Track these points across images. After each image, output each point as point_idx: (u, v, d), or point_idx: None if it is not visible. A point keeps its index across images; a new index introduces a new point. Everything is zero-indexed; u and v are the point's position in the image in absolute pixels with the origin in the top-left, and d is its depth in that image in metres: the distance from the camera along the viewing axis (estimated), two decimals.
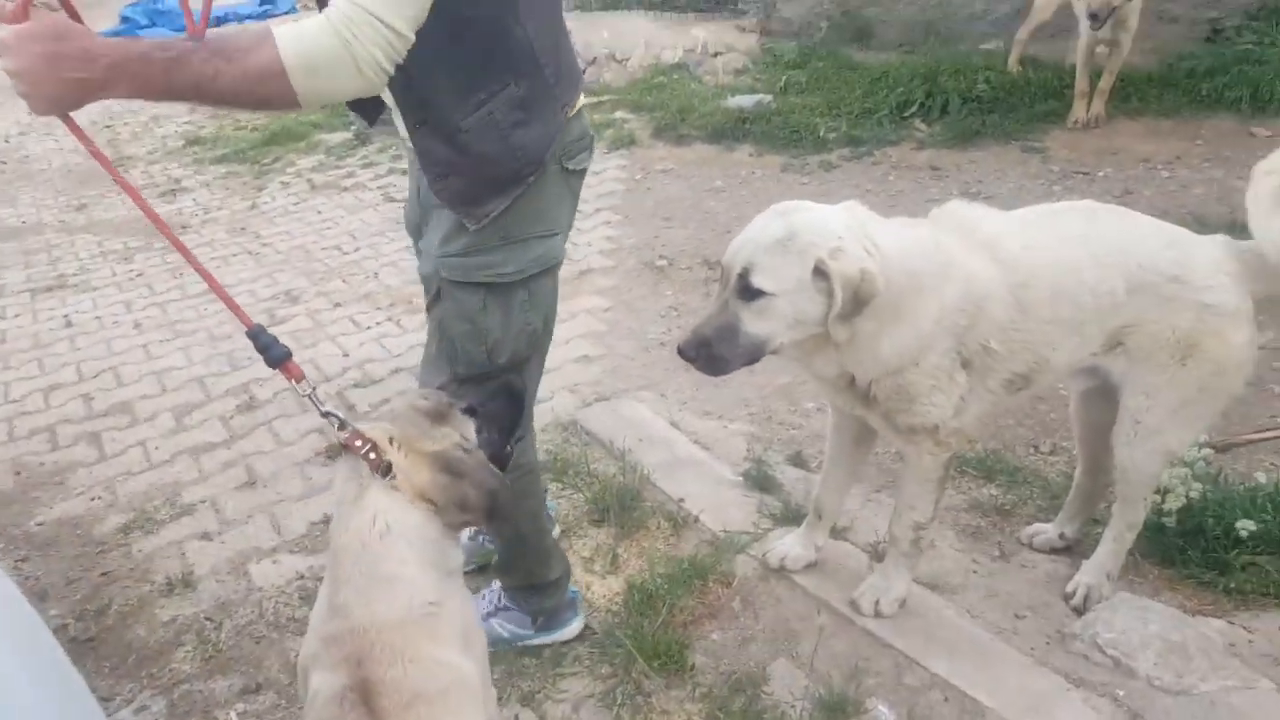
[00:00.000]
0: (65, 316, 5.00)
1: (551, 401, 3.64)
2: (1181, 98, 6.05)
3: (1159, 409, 2.19)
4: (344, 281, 5.07)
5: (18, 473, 3.63)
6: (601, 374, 3.86)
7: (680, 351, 2.04)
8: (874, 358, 2.06)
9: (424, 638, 1.45)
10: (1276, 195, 2.07)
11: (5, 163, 8.00)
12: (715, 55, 7.68)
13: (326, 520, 3.05)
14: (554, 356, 4.04)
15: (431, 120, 1.83)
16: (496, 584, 2.51)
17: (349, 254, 5.48)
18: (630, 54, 7.99)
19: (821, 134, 6.29)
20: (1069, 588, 2.43)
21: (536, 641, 2.47)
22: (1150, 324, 2.14)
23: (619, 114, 7.11)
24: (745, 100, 6.67)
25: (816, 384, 2.30)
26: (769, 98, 6.73)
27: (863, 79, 6.84)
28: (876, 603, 2.38)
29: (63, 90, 1.45)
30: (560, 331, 4.22)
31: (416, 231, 2.18)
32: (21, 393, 4.23)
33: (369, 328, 4.50)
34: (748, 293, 1.96)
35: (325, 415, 1.61)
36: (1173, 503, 2.46)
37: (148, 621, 2.77)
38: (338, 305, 4.79)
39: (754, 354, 2.02)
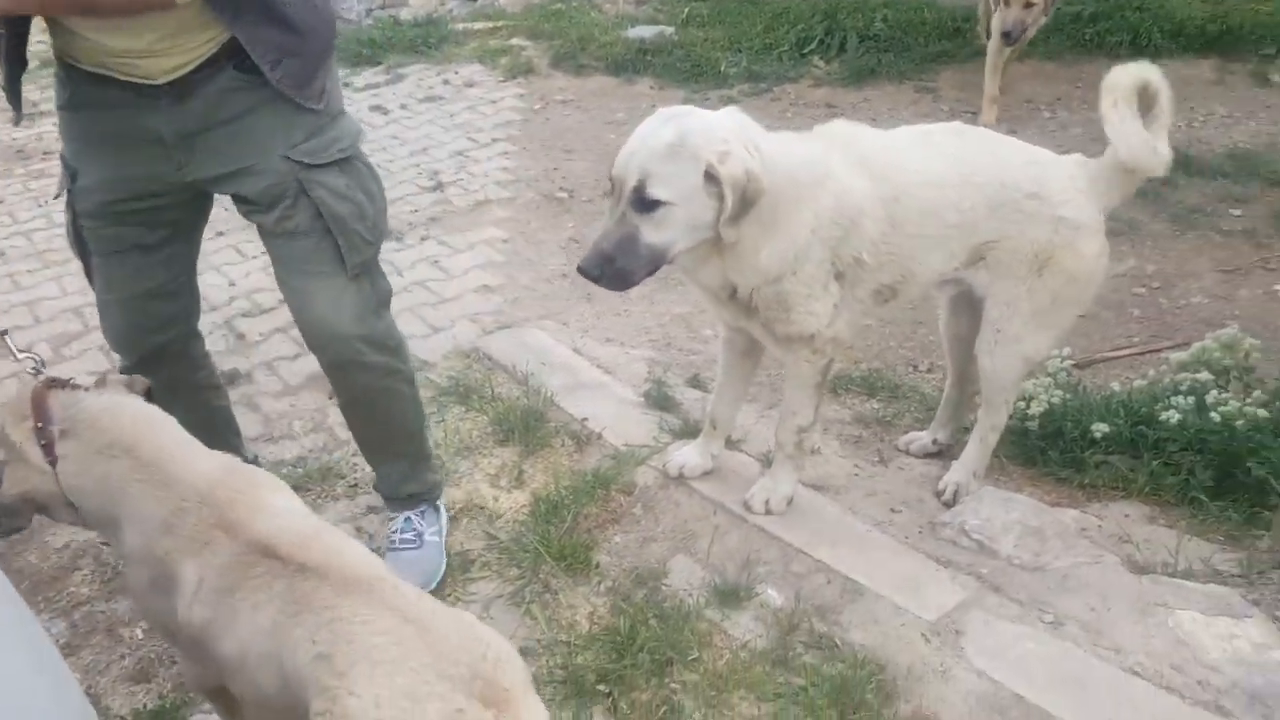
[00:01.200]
0: None
1: (452, 330, 3.69)
2: (1066, 42, 6.31)
3: (1017, 318, 2.37)
4: (226, 209, 4.95)
5: None
6: (502, 304, 3.90)
7: (582, 269, 2.07)
8: (754, 267, 2.17)
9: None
10: (1123, 103, 2.25)
11: None
12: None
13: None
14: (453, 286, 4.13)
15: (255, 4, 1.83)
16: (402, 514, 2.50)
17: None
18: None
19: (722, 69, 6.37)
20: (940, 485, 2.64)
21: (445, 532, 2.55)
22: (1010, 239, 2.31)
23: (515, 41, 7.04)
24: (646, 31, 6.70)
25: (702, 295, 2.42)
26: (670, 30, 6.78)
27: (764, 14, 6.93)
28: (767, 502, 2.54)
29: None
30: (458, 262, 4.30)
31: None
32: None
33: (254, 257, 4.37)
34: (645, 203, 2.00)
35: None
36: (1036, 408, 2.69)
37: (39, 549, 2.73)
38: (220, 234, 4.64)
39: (655, 263, 2.08)
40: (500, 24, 7.29)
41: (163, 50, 1.85)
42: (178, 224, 2.17)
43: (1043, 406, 2.69)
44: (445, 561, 2.49)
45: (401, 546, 2.44)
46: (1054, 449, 2.69)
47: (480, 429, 3.06)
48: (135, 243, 2.09)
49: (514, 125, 5.82)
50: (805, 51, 6.54)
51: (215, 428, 2.51)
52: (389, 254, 4.27)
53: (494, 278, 4.10)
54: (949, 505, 2.56)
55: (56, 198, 2.12)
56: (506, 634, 2.32)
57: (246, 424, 3.02)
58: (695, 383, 3.31)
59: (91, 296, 2.27)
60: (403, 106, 6.21)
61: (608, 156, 5.34)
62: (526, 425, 2.98)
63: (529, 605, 2.39)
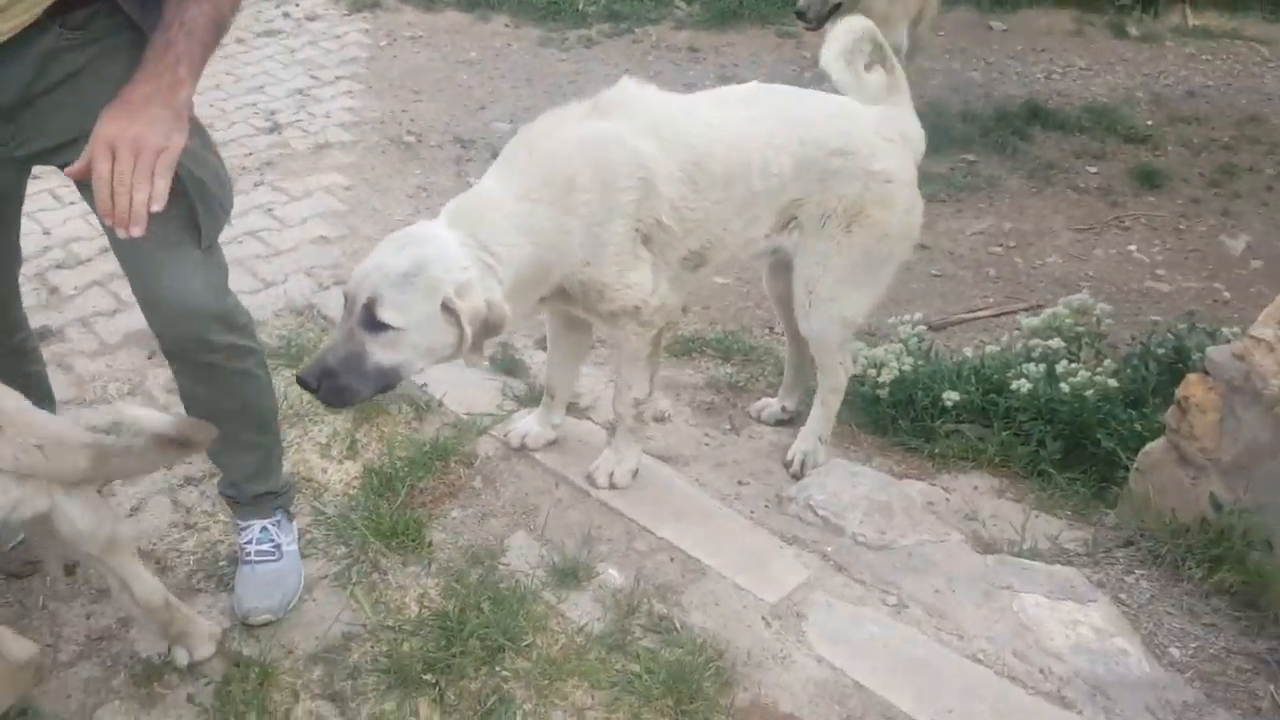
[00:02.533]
0: None
1: (285, 285, 3.42)
2: None
3: (828, 277, 2.30)
4: None
5: None
6: (341, 257, 3.64)
7: (301, 380, 1.95)
8: (547, 286, 2.11)
9: None
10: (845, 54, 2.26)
11: None
12: None
13: None
14: (288, 237, 3.82)
15: None
16: (256, 523, 2.20)
17: None
18: None
19: (581, 7, 6.15)
20: (788, 455, 2.56)
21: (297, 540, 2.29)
22: (817, 196, 2.24)
23: None
24: None
25: None
26: None
27: None
28: (610, 474, 2.42)
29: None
30: (294, 210, 3.99)
31: None
32: None
33: (72, 203, 3.97)
34: (373, 325, 1.90)
35: None
36: (886, 376, 2.64)
37: None
38: (35, 178, 4.20)
39: (385, 382, 1.99)
40: None
41: None
42: (3, 194, 1.94)
43: (893, 374, 2.64)
44: (303, 573, 2.23)
45: (258, 559, 2.16)
46: (904, 418, 2.65)
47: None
48: None
49: (359, 63, 5.48)
50: None
51: (28, 395, 2.14)
52: None
53: (333, 228, 3.83)
54: (798, 477, 2.50)
55: None
56: (330, 618, 2.19)
57: (58, 386, 2.69)
58: (544, 344, 3.15)
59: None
60: (238, 41, 5.76)
61: (460, 99, 5.28)
62: None
63: (354, 588, 2.21)
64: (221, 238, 2.94)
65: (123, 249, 1.81)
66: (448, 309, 1.89)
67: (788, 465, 2.55)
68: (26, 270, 3.49)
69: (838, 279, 2.30)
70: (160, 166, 1.49)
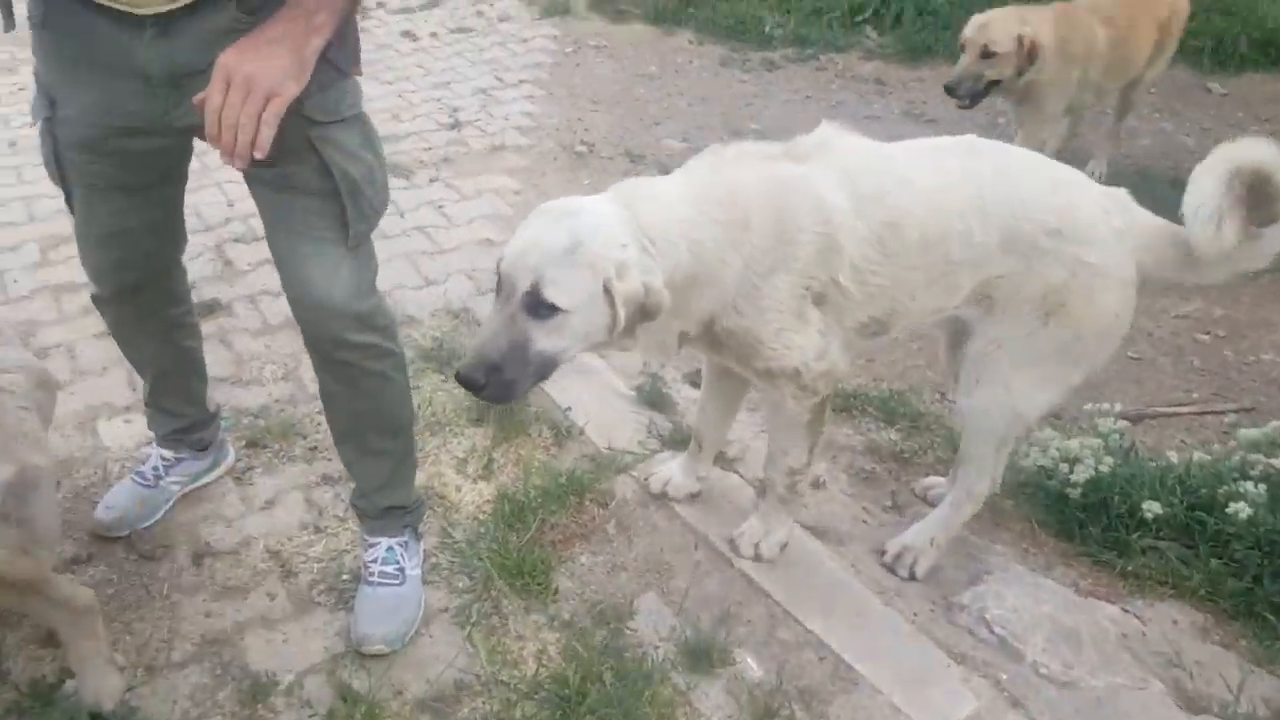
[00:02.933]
0: None
1: (445, 285, 3.36)
2: None
3: (1006, 361, 1.99)
4: None
5: None
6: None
7: (464, 379, 1.76)
8: (688, 315, 1.90)
9: None
10: (1217, 200, 1.83)
11: None
12: None
13: None
14: (454, 236, 3.78)
15: None
16: (383, 541, 2.13)
17: None
18: None
19: (767, 29, 5.94)
20: (888, 544, 2.27)
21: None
22: (1019, 276, 1.94)
23: None
24: None
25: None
26: None
27: None
28: (757, 545, 2.21)
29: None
30: (463, 210, 3.94)
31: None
32: None
33: None
34: (540, 309, 1.72)
35: None
36: (1080, 474, 2.33)
37: None
38: None
39: (543, 372, 1.80)
40: None
41: None
42: (167, 167, 1.91)
43: (1088, 473, 2.32)
44: (423, 601, 2.14)
45: (380, 581, 2.09)
46: (1096, 524, 2.31)
47: (455, 403, 2.75)
48: (119, 184, 1.85)
49: (542, 68, 5.45)
50: (858, 20, 6.10)
51: (180, 370, 2.30)
52: (394, 191, 3.95)
53: (498, 231, 3.74)
54: (890, 569, 2.22)
55: (33, 125, 1.84)
56: (444, 661, 2.02)
57: (216, 363, 2.73)
58: (695, 380, 2.97)
59: None
60: (433, 35, 5.85)
61: (635, 112, 5.15)
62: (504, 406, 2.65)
63: (472, 628, 2.07)
64: (393, 231, 2.94)
65: (274, 238, 1.85)
66: (606, 289, 1.72)
67: (882, 554, 2.26)
68: (206, 240, 3.58)
69: (1016, 364, 1.99)
70: (268, 114, 1.47)
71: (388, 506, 2.12)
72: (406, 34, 5.87)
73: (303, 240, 1.79)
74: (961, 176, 1.93)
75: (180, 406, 2.35)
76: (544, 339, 1.74)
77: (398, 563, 2.11)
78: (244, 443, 2.59)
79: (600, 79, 5.34)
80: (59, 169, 1.85)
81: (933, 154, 2.01)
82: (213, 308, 3.17)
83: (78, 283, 3.24)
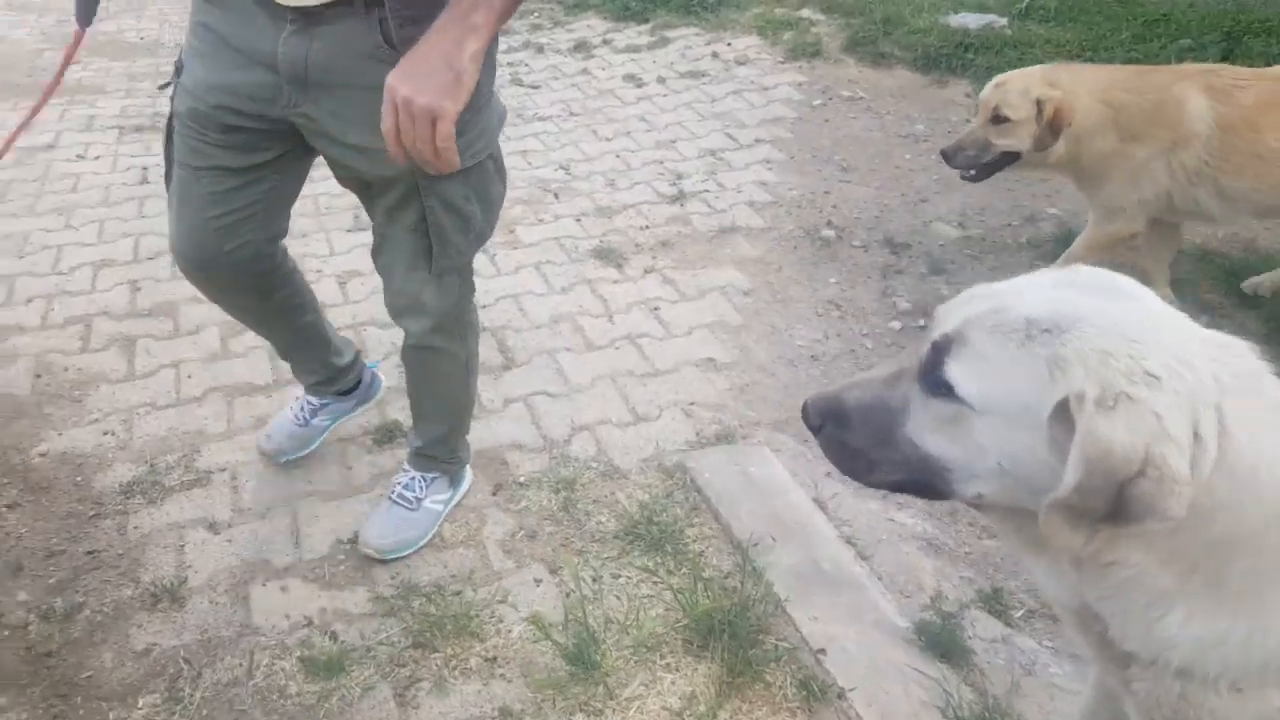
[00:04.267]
0: (144, 169, 4.43)
1: (657, 424, 2.83)
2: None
3: None
4: None
5: (38, 375, 3.08)
6: (728, 392, 2.98)
7: (806, 410, 1.21)
8: (1152, 634, 1.12)
9: None
10: None
11: None
12: None
13: (354, 542, 2.39)
14: (670, 351, 3.14)
15: None
16: (413, 471, 2.40)
17: None
18: None
19: None
20: None
21: (459, 499, 2.50)
22: None
23: (806, 12, 6.00)
24: (971, 20, 5.46)
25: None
26: (1003, 21, 5.48)
27: (1135, 17, 5.40)
28: None
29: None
30: (682, 315, 3.34)
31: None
32: (72, 263, 3.68)
33: None
34: (935, 381, 1.10)
35: None
36: None
37: (118, 644, 2.16)
38: None
39: (917, 477, 1.15)
40: None
41: None
42: (276, 161, 1.93)
43: None
44: (432, 535, 2.39)
45: (397, 501, 2.38)
46: None
47: (671, 618, 2.15)
48: (218, 164, 1.89)
49: (784, 124, 4.83)
50: None
51: (301, 345, 2.49)
52: (603, 285, 3.50)
53: (723, 348, 3.18)
54: None
55: (162, 87, 1.99)
56: None
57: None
58: (994, 602, 2.23)
59: None
60: (660, 80, 5.36)
61: (896, 185, 4.22)
62: (735, 633, 2.05)
63: None
64: (599, 338, 3.20)
65: (376, 242, 2.03)
66: (1064, 412, 1.00)
67: None
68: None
69: None
70: (439, 138, 1.45)
71: (430, 455, 2.38)
72: (631, 78, 5.43)
73: (396, 256, 1.97)
74: None
75: (311, 366, 2.54)
76: (924, 428, 1.13)
77: (416, 492, 2.37)
78: (410, 641, 2.16)
79: (853, 139, 4.66)
80: (168, 136, 1.92)
81: None
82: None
83: (254, 384, 3.00)
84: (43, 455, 2.74)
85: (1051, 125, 2.97)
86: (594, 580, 2.27)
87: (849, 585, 2.22)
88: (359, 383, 2.68)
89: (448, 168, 1.50)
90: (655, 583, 2.25)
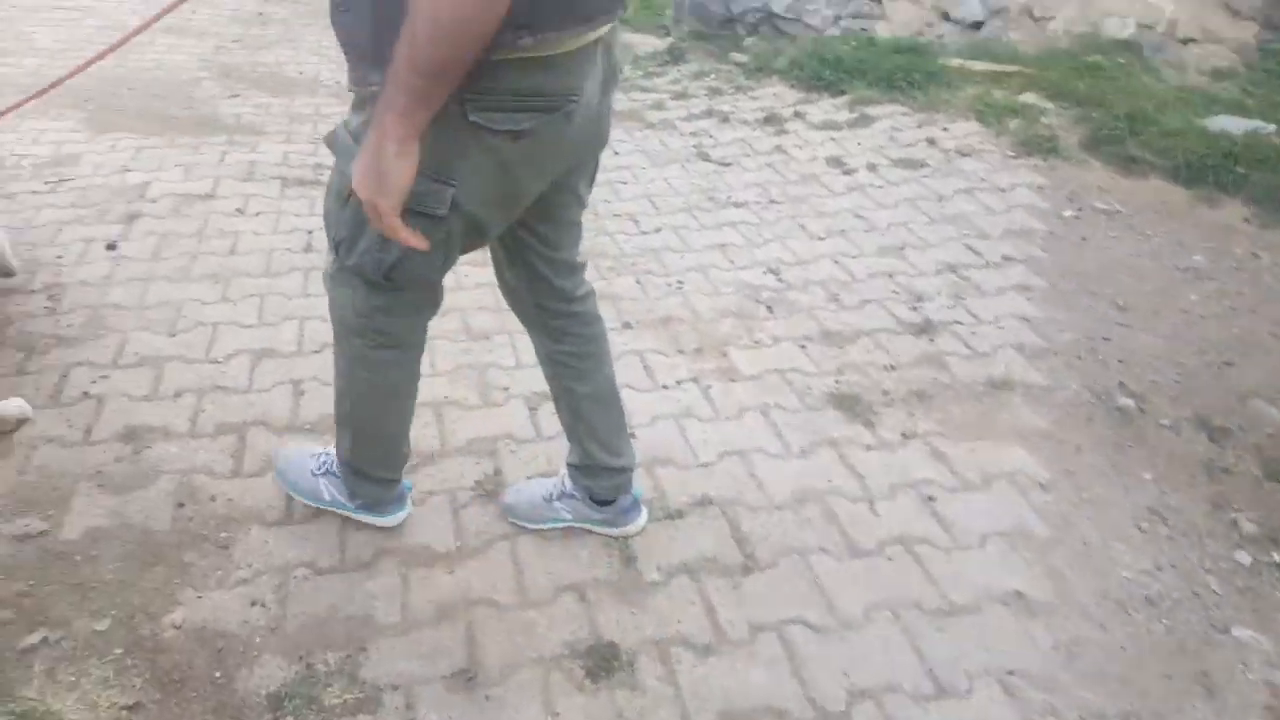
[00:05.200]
0: (309, 233, 3.93)
1: (970, 704, 2.09)
2: None
3: None
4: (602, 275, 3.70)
5: (180, 504, 2.51)
6: (1054, 655, 2.20)
7: None
8: None
9: None
10: None
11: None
12: (1186, 42, 5.63)
13: None
14: (963, 574, 2.37)
15: None
16: (333, 449, 2.37)
17: (648, 234, 4.10)
18: (1055, 10, 6.04)
19: None
20: None
21: (356, 518, 2.43)
22: None
23: (1029, 98, 5.29)
24: (1232, 125, 4.71)
25: None
26: (1270, 129, 4.71)
27: None
28: None
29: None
30: (967, 513, 2.59)
31: None
32: (228, 349, 3.16)
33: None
34: None
35: None
36: None
37: None
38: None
39: None
40: (1008, 69, 5.55)
41: None
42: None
43: None
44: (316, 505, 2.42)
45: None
46: None
47: None
48: None
49: (1033, 238, 4.11)
50: None
51: (568, 409, 2.32)
52: (855, 450, 2.82)
53: (1031, 574, 2.40)
54: None
55: None
56: None
57: None
58: None
59: None
60: (871, 167, 4.71)
61: (1188, 337, 3.34)
62: None
63: None
64: (865, 541, 2.52)
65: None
66: None
67: None
68: None
69: None
70: (385, 230, 1.62)
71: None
72: (835, 161, 4.79)
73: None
74: None
75: (581, 439, 2.33)
76: None
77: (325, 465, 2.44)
78: None
79: (1121, 266, 3.92)
80: None
81: None
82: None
83: (436, 550, 2.38)
84: (177, 628, 2.17)
85: None
86: None
87: None
88: (615, 502, 2.41)
89: (411, 246, 1.67)
90: None
